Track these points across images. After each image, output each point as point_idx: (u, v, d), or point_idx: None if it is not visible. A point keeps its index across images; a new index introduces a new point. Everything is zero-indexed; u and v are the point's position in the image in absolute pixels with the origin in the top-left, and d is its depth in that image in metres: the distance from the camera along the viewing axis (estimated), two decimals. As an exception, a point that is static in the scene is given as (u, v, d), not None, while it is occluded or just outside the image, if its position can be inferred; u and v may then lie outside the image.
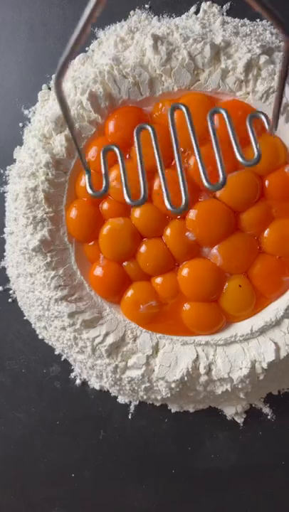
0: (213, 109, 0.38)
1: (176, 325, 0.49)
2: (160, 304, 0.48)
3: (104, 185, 0.39)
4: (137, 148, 0.39)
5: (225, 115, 0.37)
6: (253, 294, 0.47)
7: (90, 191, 0.40)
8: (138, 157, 0.39)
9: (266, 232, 0.46)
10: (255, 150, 0.36)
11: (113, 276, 0.49)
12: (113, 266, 0.49)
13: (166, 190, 0.37)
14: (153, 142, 0.39)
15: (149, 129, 0.39)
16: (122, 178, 0.38)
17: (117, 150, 0.40)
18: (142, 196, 0.37)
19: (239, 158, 0.35)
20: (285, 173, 0.46)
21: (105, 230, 0.48)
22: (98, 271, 0.49)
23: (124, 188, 0.38)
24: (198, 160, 0.37)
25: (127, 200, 0.38)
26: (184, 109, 0.39)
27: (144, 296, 0.48)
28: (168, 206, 0.37)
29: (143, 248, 0.48)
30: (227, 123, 0.37)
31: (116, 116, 0.47)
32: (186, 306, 0.48)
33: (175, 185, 0.37)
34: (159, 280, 0.48)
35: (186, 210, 0.40)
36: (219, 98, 0.47)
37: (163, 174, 0.38)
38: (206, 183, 0.36)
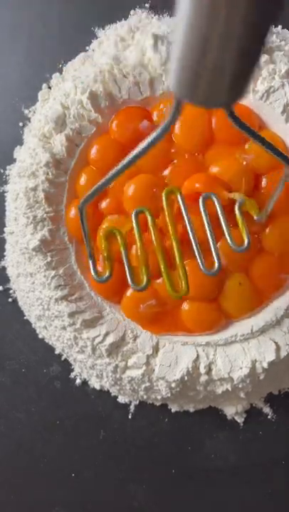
0: (204, 194, 0.42)
1: (176, 324, 0.48)
2: (160, 302, 0.48)
3: (108, 271, 0.42)
4: (136, 235, 0.43)
5: (215, 201, 0.41)
6: (253, 292, 0.47)
7: (94, 277, 0.43)
8: (138, 244, 0.43)
9: (266, 230, 0.46)
10: (245, 237, 0.40)
11: (113, 276, 0.48)
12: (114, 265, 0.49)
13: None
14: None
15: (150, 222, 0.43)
16: (126, 266, 0.43)
17: (119, 238, 0.43)
18: (144, 283, 0.42)
19: (231, 245, 0.40)
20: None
21: (103, 228, 0.48)
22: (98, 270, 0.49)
23: (128, 274, 0.42)
24: (195, 250, 0.41)
25: (131, 285, 0.42)
26: (179, 197, 0.42)
27: (144, 295, 0.48)
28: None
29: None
30: (217, 207, 0.41)
31: (121, 117, 0.47)
32: (186, 306, 0.48)
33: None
34: (159, 280, 0.48)
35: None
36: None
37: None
38: (202, 269, 0.41)
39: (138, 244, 0.43)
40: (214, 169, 0.46)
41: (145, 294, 0.48)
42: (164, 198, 0.43)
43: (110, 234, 0.44)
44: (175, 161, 0.47)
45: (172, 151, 0.48)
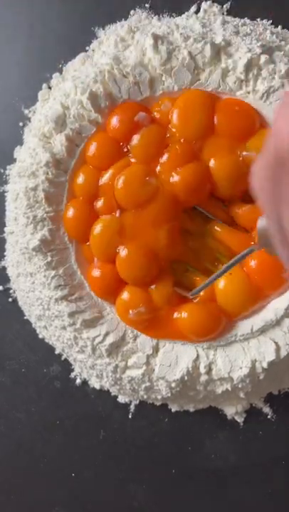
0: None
1: (173, 332, 0.48)
2: (151, 309, 0.47)
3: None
4: None
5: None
6: (246, 282, 0.46)
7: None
8: None
9: None
10: None
11: (109, 277, 0.48)
12: (108, 267, 0.48)
13: None
14: None
15: None
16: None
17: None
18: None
19: None
20: None
21: (95, 230, 0.47)
22: (95, 272, 0.49)
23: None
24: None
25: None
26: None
27: (134, 302, 0.47)
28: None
29: (124, 253, 0.47)
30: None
31: (118, 111, 0.47)
32: (184, 314, 0.47)
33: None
34: (153, 286, 0.47)
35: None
36: (219, 97, 0.47)
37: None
38: None
39: None
40: (211, 163, 0.46)
41: (135, 300, 0.47)
42: None
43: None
44: (169, 146, 0.47)
45: (167, 135, 0.47)
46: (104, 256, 0.48)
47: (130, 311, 0.47)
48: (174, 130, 0.47)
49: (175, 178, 0.46)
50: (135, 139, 0.47)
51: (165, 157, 0.46)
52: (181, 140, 0.46)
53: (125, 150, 0.48)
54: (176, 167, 0.46)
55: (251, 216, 0.46)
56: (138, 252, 0.46)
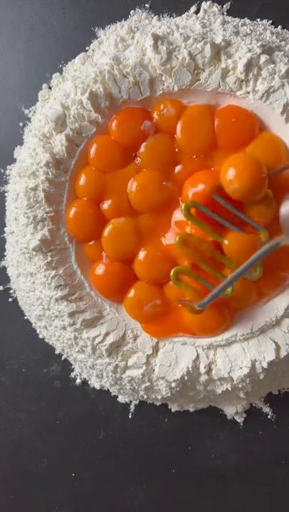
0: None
1: (178, 326, 0.48)
2: (164, 303, 0.48)
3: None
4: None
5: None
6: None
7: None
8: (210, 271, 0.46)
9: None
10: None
11: (116, 275, 0.48)
12: (116, 265, 0.48)
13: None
14: None
15: None
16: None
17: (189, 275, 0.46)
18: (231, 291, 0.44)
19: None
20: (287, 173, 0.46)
21: (107, 230, 0.48)
22: (100, 270, 0.49)
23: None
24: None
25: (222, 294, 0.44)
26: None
27: (148, 296, 0.48)
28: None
29: (142, 255, 0.47)
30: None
31: (121, 117, 0.47)
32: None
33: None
34: (170, 282, 0.48)
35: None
36: (218, 102, 0.47)
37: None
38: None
39: (210, 271, 0.45)
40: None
41: (148, 294, 0.48)
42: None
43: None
44: (181, 165, 0.47)
45: (176, 150, 0.47)
46: (118, 256, 0.48)
47: (145, 305, 0.47)
48: (179, 143, 0.47)
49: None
50: (143, 147, 0.47)
51: (178, 168, 0.47)
52: (194, 157, 0.47)
53: (133, 154, 0.48)
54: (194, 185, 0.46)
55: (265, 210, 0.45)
56: (156, 256, 0.47)
